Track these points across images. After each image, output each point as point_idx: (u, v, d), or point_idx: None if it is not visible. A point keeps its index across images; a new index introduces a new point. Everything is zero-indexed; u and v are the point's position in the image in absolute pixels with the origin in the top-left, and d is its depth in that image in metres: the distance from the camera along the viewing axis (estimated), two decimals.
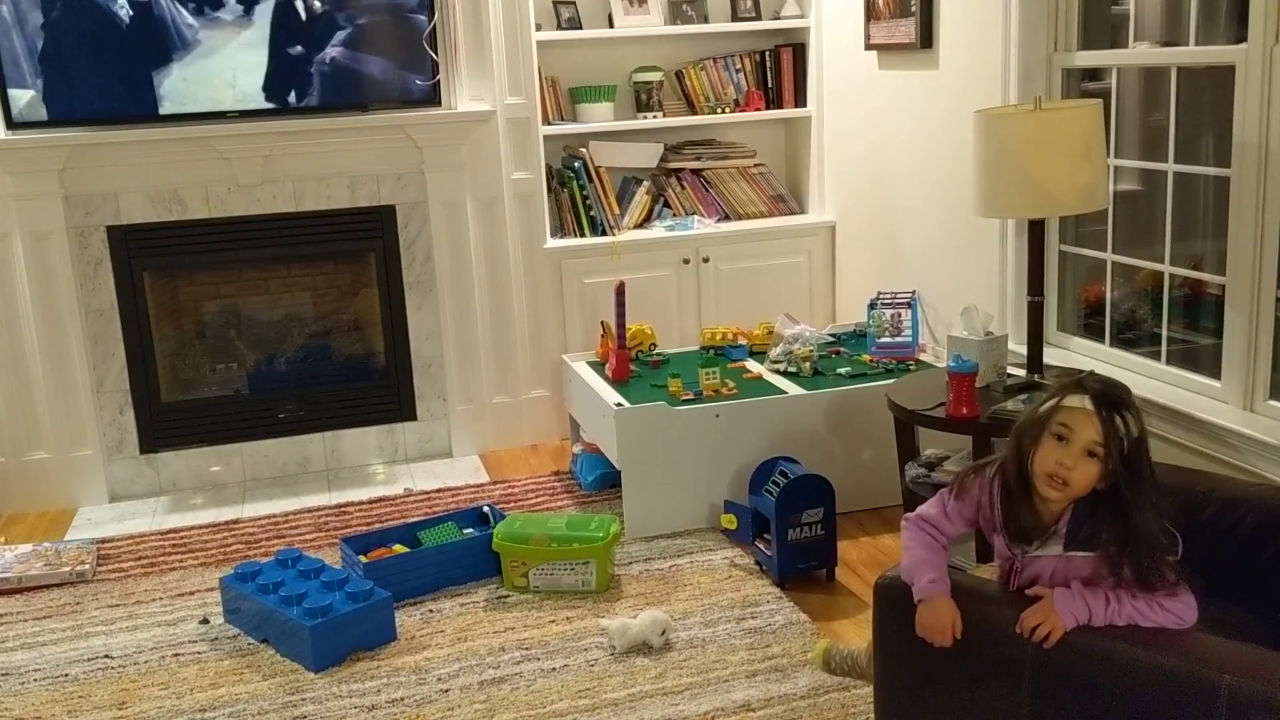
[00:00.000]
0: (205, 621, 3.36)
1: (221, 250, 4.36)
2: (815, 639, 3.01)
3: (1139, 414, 2.03)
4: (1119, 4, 3.54)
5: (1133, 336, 3.62)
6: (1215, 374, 3.17)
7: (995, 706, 2.03)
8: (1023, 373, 3.40)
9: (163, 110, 4.12)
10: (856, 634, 3.10)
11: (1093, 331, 3.73)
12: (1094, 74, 3.63)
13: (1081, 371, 2.16)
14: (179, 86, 4.12)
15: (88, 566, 3.69)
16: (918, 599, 2.09)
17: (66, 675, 3.11)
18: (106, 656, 3.20)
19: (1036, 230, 3.28)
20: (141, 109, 4.11)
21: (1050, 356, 3.53)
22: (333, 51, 4.23)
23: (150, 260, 4.30)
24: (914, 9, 4.07)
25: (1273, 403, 3.00)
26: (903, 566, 2.16)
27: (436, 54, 4.33)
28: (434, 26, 4.29)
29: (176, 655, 3.18)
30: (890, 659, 2.21)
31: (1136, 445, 2.01)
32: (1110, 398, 2.02)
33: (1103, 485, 2.02)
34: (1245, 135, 2.96)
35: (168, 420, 4.42)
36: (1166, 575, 1.96)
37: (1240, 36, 2.97)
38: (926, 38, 4.06)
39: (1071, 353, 3.72)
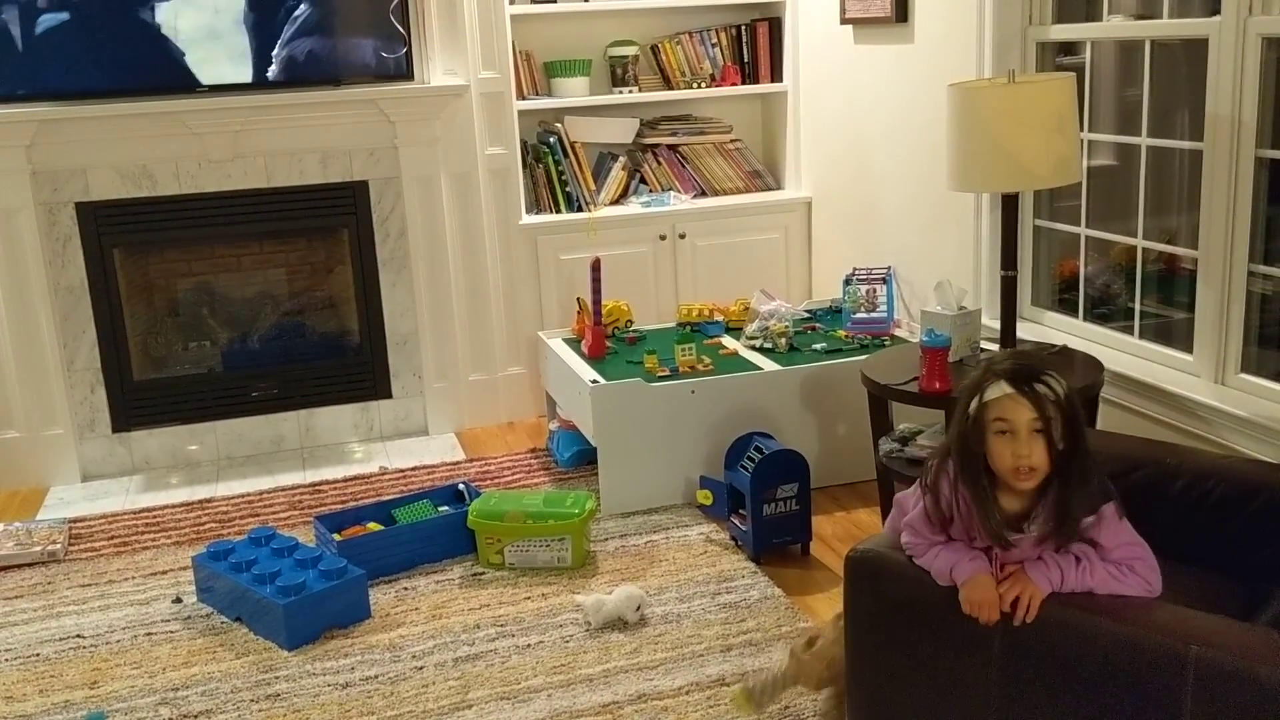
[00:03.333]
0: (178, 600, 3.34)
1: (193, 227, 4.32)
2: (730, 695, 2.71)
3: (1056, 375, 2.02)
4: None
5: (1106, 311, 3.63)
6: (1187, 348, 3.18)
7: (965, 677, 2.04)
8: (996, 347, 3.41)
9: (132, 84, 4.06)
10: (829, 608, 3.10)
11: (1066, 306, 3.74)
12: (1069, 48, 3.62)
13: (983, 365, 2.10)
14: (149, 60, 4.06)
15: (59, 546, 3.67)
16: (962, 581, 2.02)
17: (38, 655, 3.09)
18: (78, 636, 3.18)
19: (1010, 205, 3.28)
20: (110, 83, 4.05)
21: (1024, 331, 3.54)
22: (304, 25, 4.18)
23: (121, 237, 4.25)
24: None
25: (1244, 376, 3.01)
26: (935, 573, 2.07)
27: (408, 27, 4.29)
28: (404, 0, 4.24)
29: (149, 634, 3.17)
30: (861, 632, 2.22)
31: (1069, 403, 2.01)
32: (1024, 372, 2.01)
33: (1060, 453, 2.01)
34: (1218, 109, 2.96)
35: (140, 399, 4.38)
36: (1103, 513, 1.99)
37: (1215, 9, 2.97)
38: (902, 11, 4.04)
39: (1045, 327, 3.73)
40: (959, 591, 2.02)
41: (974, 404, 2.03)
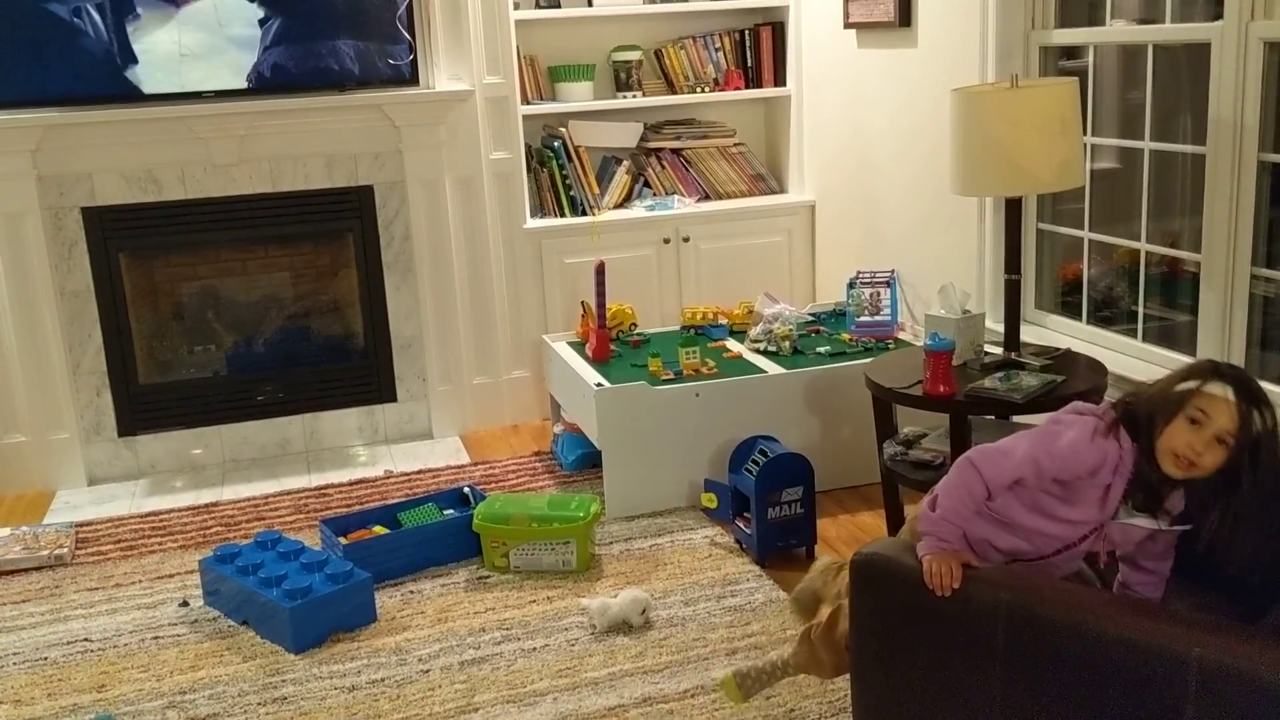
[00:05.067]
0: (185, 604, 3.35)
1: (198, 231, 4.33)
2: (717, 679, 2.75)
3: (1273, 410, 2.02)
4: None
5: (1110, 314, 3.64)
6: (1191, 351, 3.19)
7: (968, 681, 2.05)
8: (1000, 351, 3.42)
9: (135, 90, 4.08)
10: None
11: (1070, 309, 3.75)
12: (1072, 52, 3.63)
13: (1212, 361, 2.12)
14: (154, 66, 4.08)
15: (66, 550, 3.68)
16: (924, 553, 2.08)
17: (46, 659, 3.10)
18: (86, 639, 3.19)
19: (1014, 208, 3.29)
20: (116, 89, 4.07)
21: (1027, 334, 3.55)
22: (309, 30, 4.19)
23: (126, 241, 4.27)
24: None
25: None
26: (941, 506, 2.13)
27: (413, 32, 4.30)
28: (410, 6, 4.26)
29: (156, 638, 3.18)
30: (866, 634, 2.23)
31: (1267, 440, 2.01)
32: (1250, 390, 2.02)
33: (1222, 471, 2.02)
34: (1220, 112, 2.97)
35: (145, 402, 4.40)
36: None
37: (1217, 14, 2.98)
38: (905, 16, 4.06)
39: (1048, 330, 3.73)
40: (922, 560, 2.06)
41: (1187, 386, 2.04)
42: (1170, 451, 2.03)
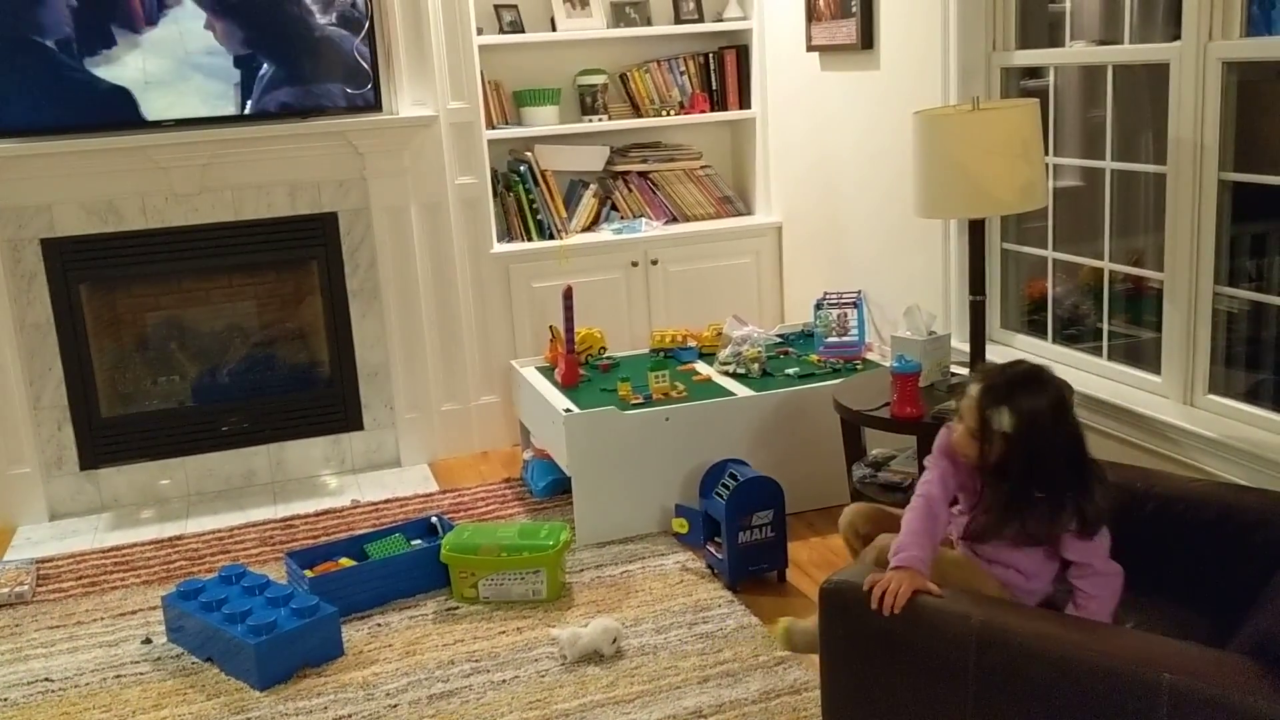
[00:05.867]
0: (148, 641, 3.29)
1: (160, 261, 4.28)
2: (772, 628, 2.98)
3: (1025, 412, 2.20)
4: (1056, 2, 3.57)
5: (1075, 332, 3.65)
6: (1156, 369, 3.20)
7: (941, 707, 2.03)
8: (966, 371, 3.42)
9: (97, 120, 4.04)
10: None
11: (1035, 328, 3.76)
12: (1034, 71, 3.66)
13: (999, 363, 2.41)
14: (112, 96, 4.04)
15: (27, 587, 3.61)
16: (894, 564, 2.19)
17: (5, 699, 3.04)
18: (47, 679, 3.13)
19: (977, 230, 3.30)
20: (74, 119, 4.02)
21: (993, 354, 3.55)
22: (270, 58, 4.16)
23: (87, 273, 4.22)
24: (854, 10, 4.08)
25: (1212, 397, 3.03)
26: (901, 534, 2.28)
27: (376, 59, 4.28)
28: (370, 32, 4.24)
29: (118, 676, 3.12)
30: (837, 662, 2.21)
31: (1015, 438, 2.20)
32: (997, 392, 2.23)
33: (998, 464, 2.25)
34: (1180, 132, 3.00)
35: (108, 435, 4.33)
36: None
37: (1176, 35, 3.00)
38: (867, 39, 4.07)
39: (1015, 350, 3.74)
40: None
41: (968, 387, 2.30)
42: (953, 445, 2.32)
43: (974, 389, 2.26)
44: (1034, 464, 2.20)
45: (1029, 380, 2.24)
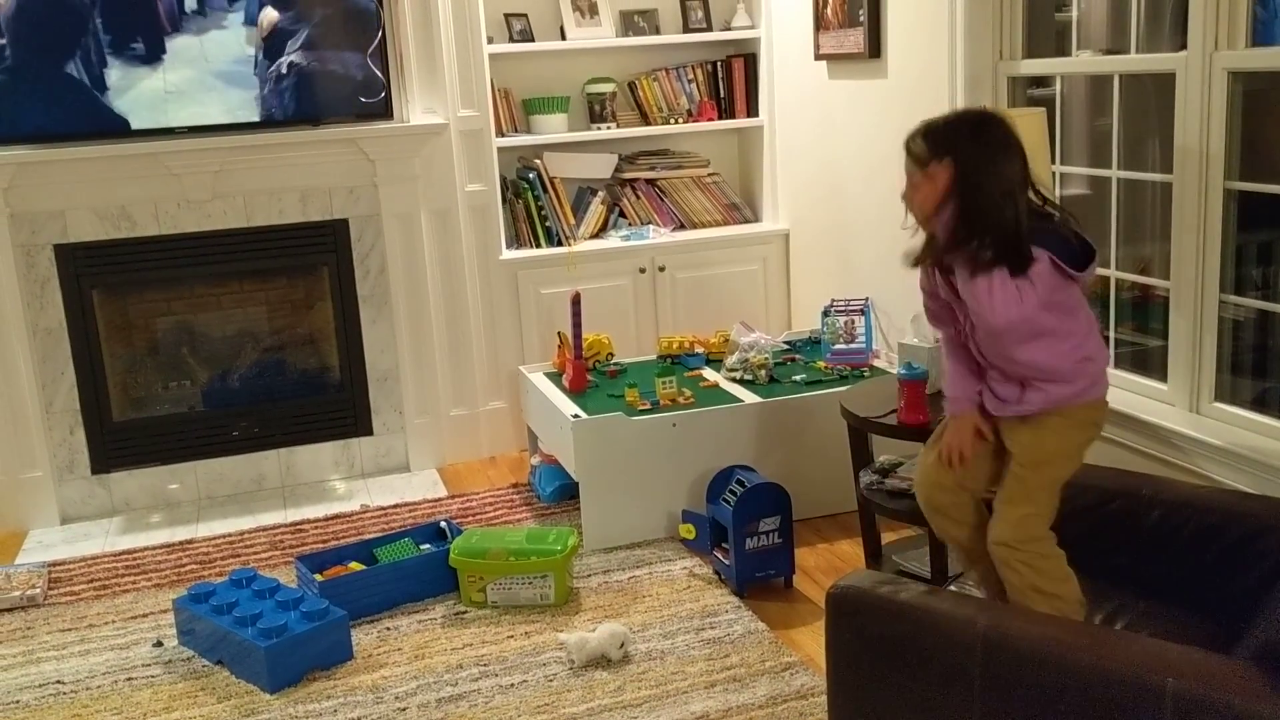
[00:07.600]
0: (159, 644, 3.32)
1: (172, 267, 4.32)
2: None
3: (945, 136, 2.41)
4: (1063, 11, 3.58)
5: None
6: (1163, 377, 3.21)
7: (946, 712, 2.05)
8: None
9: (112, 127, 4.07)
10: (813, 641, 3.11)
11: None
12: (1041, 80, 3.67)
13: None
14: (127, 102, 4.08)
15: (38, 590, 3.64)
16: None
17: (17, 701, 3.06)
18: (58, 682, 3.15)
19: None
20: (89, 126, 4.06)
21: None
22: (283, 65, 4.20)
23: (99, 278, 4.25)
24: (862, 19, 4.10)
25: (1218, 405, 3.04)
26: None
27: (387, 66, 4.32)
28: (382, 40, 4.27)
29: (130, 679, 3.14)
30: (844, 667, 2.22)
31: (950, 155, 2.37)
32: (914, 132, 2.46)
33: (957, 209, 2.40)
34: (1186, 141, 3.01)
35: (120, 440, 4.36)
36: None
37: (1182, 44, 3.02)
38: (875, 47, 4.10)
39: None
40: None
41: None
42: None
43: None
44: (967, 189, 2.37)
45: (943, 120, 2.42)
